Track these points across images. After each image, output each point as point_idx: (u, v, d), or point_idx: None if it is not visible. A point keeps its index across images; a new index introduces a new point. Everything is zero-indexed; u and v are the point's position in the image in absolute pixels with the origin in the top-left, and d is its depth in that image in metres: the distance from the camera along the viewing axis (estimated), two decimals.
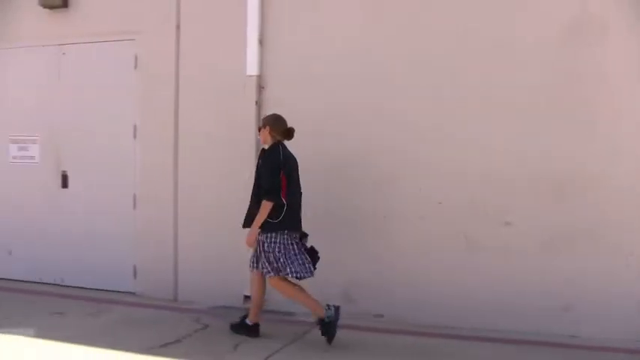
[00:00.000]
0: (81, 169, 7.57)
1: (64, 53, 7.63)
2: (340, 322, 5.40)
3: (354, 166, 6.35)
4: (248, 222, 5.50)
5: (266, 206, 5.29)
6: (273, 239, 5.36)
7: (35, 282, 7.71)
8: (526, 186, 5.86)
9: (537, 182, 5.83)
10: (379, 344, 5.57)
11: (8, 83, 8.01)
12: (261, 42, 6.64)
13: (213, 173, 6.86)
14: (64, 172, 7.64)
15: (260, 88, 6.66)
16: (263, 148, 5.70)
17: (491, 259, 5.94)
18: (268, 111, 6.25)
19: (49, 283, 7.61)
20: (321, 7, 6.52)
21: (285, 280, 5.41)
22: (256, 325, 5.67)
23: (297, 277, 5.34)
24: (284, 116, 5.65)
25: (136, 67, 7.26)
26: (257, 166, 5.64)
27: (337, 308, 5.37)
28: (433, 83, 6.12)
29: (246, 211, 5.57)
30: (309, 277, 5.38)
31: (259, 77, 6.65)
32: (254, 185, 5.58)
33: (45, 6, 7.51)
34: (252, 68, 6.64)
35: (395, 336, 5.79)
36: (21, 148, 7.88)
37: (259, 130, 5.74)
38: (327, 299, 5.50)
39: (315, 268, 5.42)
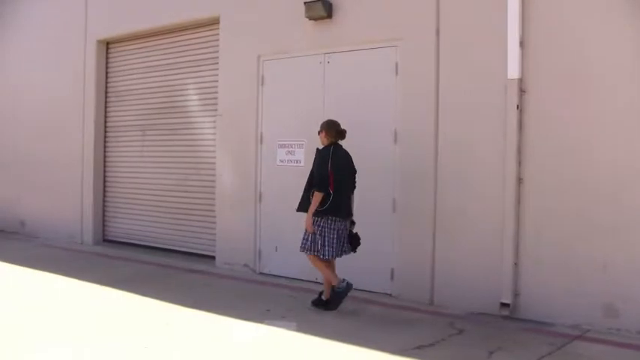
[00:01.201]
0: None
1: (328, 62, 8.25)
2: (598, 336, 5.48)
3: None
4: (300, 207, 6.98)
5: (317, 196, 6.68)
6: (316, 223, 6.73)
7: (298, 279, 8.40)
8: None
9: None
10: None
11: (279, 91, 8.83)
12: (522, 44, 6.63)
13: (476, 177, 6.97)
14: None
15: (521, 91, 6.63)
16: (318, 148, 7.02)
17: None
18: (530, 115, 6.31)
19: (310, 281, 8.22)
20: (585, 9, 6.35)
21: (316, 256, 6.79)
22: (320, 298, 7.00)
23: (326, 259, 6.76)
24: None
25: (396, 73, 7.62)
26: (313, 163, 6.92)
27: (349, 284, 6.71)
28: None
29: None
30: (337, 257, 6.84)
31: (520, 80, 6.63)
32: (308, 177, 6.98)
33: (311, 18, 8.21)
34: (513, 71, 6.65)
35: None
36: (288, 153, 8.61)
37: (319, 133, 7.02)
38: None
39: (354, 251, 6.95)
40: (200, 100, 10.15)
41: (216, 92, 9.62)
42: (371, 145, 7.80)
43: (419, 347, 5.64)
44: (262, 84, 8.94)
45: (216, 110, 9.60)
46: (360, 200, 7.78)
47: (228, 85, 9.37)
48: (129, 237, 11.39)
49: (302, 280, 8.32)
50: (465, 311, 6.82)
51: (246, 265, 8.97)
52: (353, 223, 7.04)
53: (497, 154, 6.76)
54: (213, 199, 9.66)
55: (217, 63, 9.61)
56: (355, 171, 7.11)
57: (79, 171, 11.84)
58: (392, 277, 7.60)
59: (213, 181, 9.68)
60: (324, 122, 7.08)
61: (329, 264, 6.90)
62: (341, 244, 6.83)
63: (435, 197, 7.25)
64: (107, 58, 11.80)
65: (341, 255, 6.88)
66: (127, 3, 11.05)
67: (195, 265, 9.47)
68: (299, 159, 8.52)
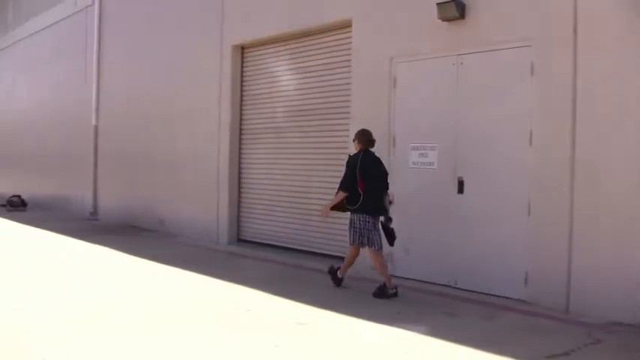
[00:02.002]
0: (476, 175, 8.15)
1: (461, 63, 8.31)
2: None
3: None
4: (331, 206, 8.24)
5: (339, 194, 7.97)
6: (353, 219, 7.91)
7: (429, 282, 8.50)
8: None
9: None
10: None
11: (411, 93, 8.96)
12: None
13: (613, 181, 6.84)
14: (460, 178, 8.29)
15: None
16: (349, 154, 8.24)
17: None
18: None
19: (442, 284, 8.33)
20: None
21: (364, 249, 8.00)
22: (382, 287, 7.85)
23: (374, 248, 7.86)
24: None
25: (532, 73, 7.57)
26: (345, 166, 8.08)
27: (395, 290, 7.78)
28: None
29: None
30: (381, 248, 7.91)
31: None
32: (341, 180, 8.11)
33: (444, 19, 8.30)
34: None
35: None
36: (421, 155, 8.74)
37: (353, 141, 8.19)
38: None
39: (391, 245, 7.94)
40: (332, 102, 10.45)
41: (349, 95, 9.88)
42: (505, 148, 7.81)
43: (551, 356, 5.60)
44: (395, 86, 9.09)
45: (348, 113, 9.86)
46: (493, 203, 7.81)
47: (361, 87, 9.60)
48: (262, 237, 11.89)
49: (433, 283, 8.43)
50: (602, 320, 6.68)
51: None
52: (390, 219, 7.97)
53: (637, 159, 6.60)
54: None
55: (349, 66, 9.88)
56: (387, 173, 8.14)
57: (215, 172, 12.48)
58: (526, 283, 7.55)
59: None
60: (357, 131, 8.17)
61: (377, 257, 7.95)
62: (377, 236, 7.90)
63: (571, 201, 7.14)
64: (242, 62, 12.36)
65: (381, 247, 7.95)
66: (261, 9, 11.55)
67: (326, 265, 9.73)
68: (432, 161, 8.63)
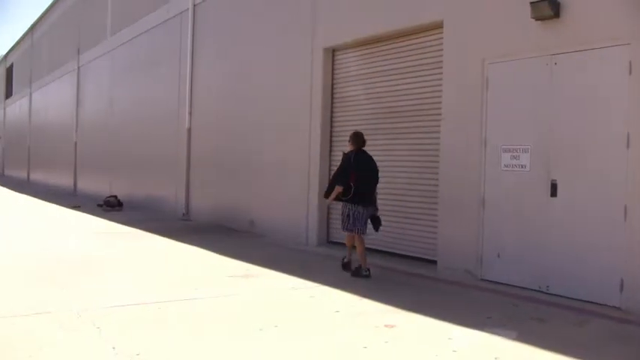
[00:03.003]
0: (570, 177, 8.08)
1: (555, 63, 8.26)
2: None
3: None
4: (325, 194, 9.86)
5: (337, 188, 9.41)
6: (345, 208, 9.38)
7: (520, 287, 8.46)
8: None
9: None
10: None
11: (503, 94, 8.96)
12: None
13: None
14: (553, 180, 8.23)
15: None
16: (343, 152, 9.82)
17: None
18: None
19: (533, 289, 8.28)
20: None
21: (351, 234, 9.53)
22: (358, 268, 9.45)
23: (357, 233, 9.36)
24: None
25: (630, 72, 7.47)
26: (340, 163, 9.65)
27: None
28: None
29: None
30: (364, 233, 9.44)
31: None
32: (334, 173, 9.93)
33: (537, 18, 8.27)
34: None
35: None
36: (513, 157, 8.71)
37: (348, 142, 9.71)
38: None
39: (377, 230, 9.57)
40: (423, 104, 10.55)
41: (439, 96, 9.96)
42: (600, 150, 7.74)
43: None
44: (487, 87, 9.10)
45: (438, 115, 9.93)
46: (588, 207, 7.74)
47: (452, 88, 9.66)
48: None
49: (525, 288, 8.38)
50: None
51: (467, 271, 9.17)
52: (376, 209, 9.56)
53: None
54: (436, 202, 9.99)
55: (440, 67, 9.96)
56: (377, 170, 9.57)
57: (306, 174, 12.77)
58: (621, 290, 7.45)
59: (435, 185, 10.02)
60: (351, 134, 9.70)
61: (361, 241, 9.42)
62: (362, 223, 9.35)
63: None
64: (333, 64, 12.59)
65: (365, 232, 9.43)
66: (351, 12, 11.78)
67: (416, 268, 9.86)
68: (524, 164, 8.59)
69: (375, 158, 11.27)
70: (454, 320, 6.83)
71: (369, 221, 9.44)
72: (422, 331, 6.53)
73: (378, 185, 9.62)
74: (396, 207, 10.98)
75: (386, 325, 6.65)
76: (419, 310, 7.23)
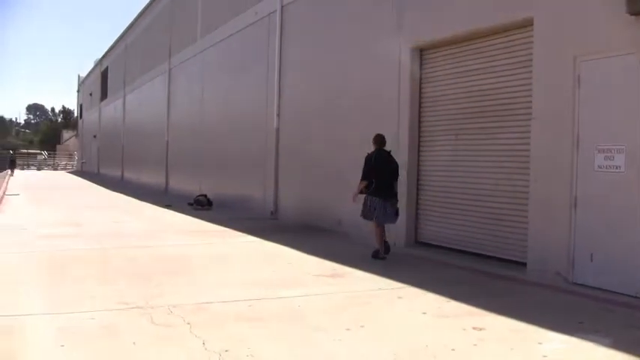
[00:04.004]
0: None
1: None
2: None
3: None
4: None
5: (361, 183, 11.00)
6: (366, 199, 10.95)
7: (614, 291, 8.22)
8: None
9: None
10: None
11: (596, 93, 8.75)
12: None
13: None
14: None
15: None
16: (367, 152, 11.15)
17: None
18: None
19: (629, 295, 8.03)
20: None
21: (371, 221, 11.05)
22: (377, 251, 11.04)
23: (377, 222, 10.89)
24: None
25: None
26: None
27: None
28: None
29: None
30: (385, 223, 11.03)
31: None
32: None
33: (633, 13, 8.03)
34: None
35: None
36: (606, 158, 8.49)
37: (372, 143, 11.18)
38: None
39: (394, 222, 11.30)
40: (512, 103, 10.44)
41: (529, 95, 9.83)
42: None
43: None
44: (578, 86, 8.91)
45: (528, 114, 9.80)
46: None
47: (543, 87, 9.51)
48: (439, 240, 12.08)
49: (620, 293, 8.13)
50: None
51: (558, 274, 9.01)
52: (396, 201, 11.04)
53: None
54: (525, 204, 9.86)
55: (530, 65, 9.82)
56: (396, 166, 11.15)
57: None
58: None
59: (525, 185, 9.88)
60: (374, 136, 11.22)
61: (380, 230, 10.97)
62: (383, 213, 10.85)
63: None
64: (421, 64, 12.58)
65: (385, 222, 11.00)
66: (439, 11, 11.77)
67: (505, 270, 9.76)
68: (619, 165, 8.36)
69: (464, 158, 11.40)
70: (544, 324, 6.73)
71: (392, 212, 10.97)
72: (510, 334, 6.49)
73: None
74: (483, 208, 10.92)
75: (474, 328, 6.64)
76: (507, 313, 7.18)
